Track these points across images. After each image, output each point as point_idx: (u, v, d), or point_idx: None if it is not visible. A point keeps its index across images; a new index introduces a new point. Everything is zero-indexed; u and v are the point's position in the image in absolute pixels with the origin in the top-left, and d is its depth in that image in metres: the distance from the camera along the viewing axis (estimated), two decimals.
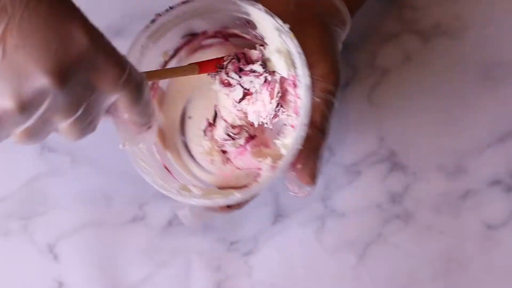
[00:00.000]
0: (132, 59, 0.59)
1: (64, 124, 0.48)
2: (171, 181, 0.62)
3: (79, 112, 0.47)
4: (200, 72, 0.60)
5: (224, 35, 0.64)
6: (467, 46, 0.72)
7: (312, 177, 0.60)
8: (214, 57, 0.62)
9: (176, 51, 0.64)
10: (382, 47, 0.72)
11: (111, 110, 0.51)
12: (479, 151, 0.70)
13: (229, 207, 0.61)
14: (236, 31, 0.64)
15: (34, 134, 0.47)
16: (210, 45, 0.65)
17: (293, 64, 0.59)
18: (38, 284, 0.69)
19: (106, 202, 0.70)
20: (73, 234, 0.70)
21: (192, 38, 0.64)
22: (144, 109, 0.51)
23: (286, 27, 0.57)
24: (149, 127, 0.55)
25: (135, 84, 0.49)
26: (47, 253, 0.70)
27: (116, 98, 0.49)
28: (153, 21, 0.59)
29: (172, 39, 0.63)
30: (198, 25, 0.63)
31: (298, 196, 0.61)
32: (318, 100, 0.59)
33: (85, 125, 0.48)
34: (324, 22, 0.62)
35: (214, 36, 0.64)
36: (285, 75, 0.60)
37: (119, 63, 0.47)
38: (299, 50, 0.57)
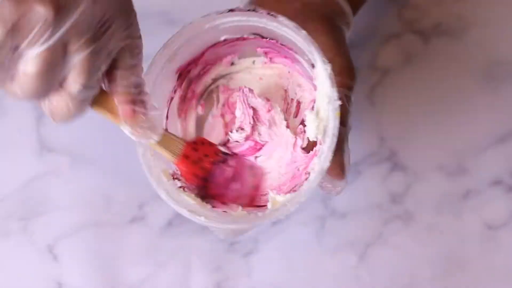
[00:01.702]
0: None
1: (79, 58, 0.45)
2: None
3: (95, 45, 0.45)
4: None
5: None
6: (467, 46, 0.72)
7: (342, 170, 0.58)
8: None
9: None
10: (382, 47, 0.72)
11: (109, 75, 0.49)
12: (480, 151, 0.70)
13: None
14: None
15: (50, 64, 0.43)
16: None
17: (324, 133, 0.55)
18: (37, 285, 0.69)
19: (106, 202, 0.70)
20: (73, 234, 0.70)
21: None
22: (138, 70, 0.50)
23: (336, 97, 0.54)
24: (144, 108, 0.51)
25: (139, 36, 0.49)
26: (47, 254, 0.70)
27: (118, 49, 0.48)
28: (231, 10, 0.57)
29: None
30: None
31: (332, 194, 0.60)
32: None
33: (94, 70, 0.46)
34: (333, 21, 0.62)
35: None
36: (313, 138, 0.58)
37: (134, 12, 0.48)
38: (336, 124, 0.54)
